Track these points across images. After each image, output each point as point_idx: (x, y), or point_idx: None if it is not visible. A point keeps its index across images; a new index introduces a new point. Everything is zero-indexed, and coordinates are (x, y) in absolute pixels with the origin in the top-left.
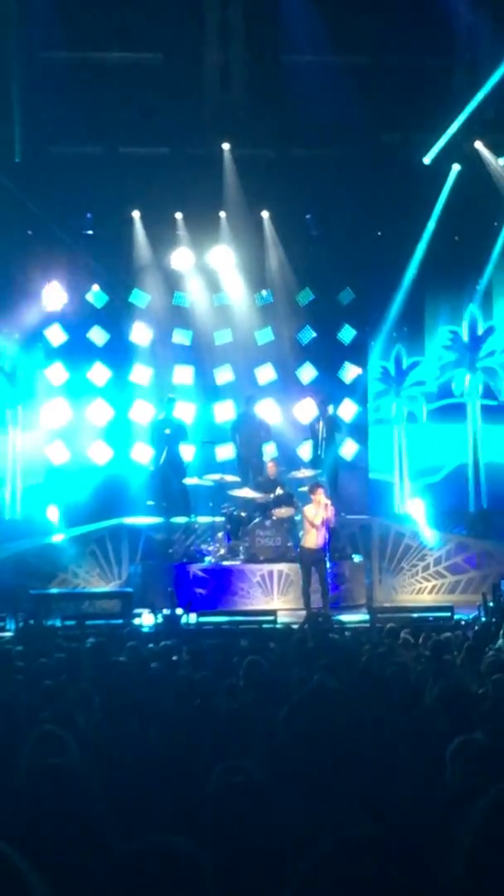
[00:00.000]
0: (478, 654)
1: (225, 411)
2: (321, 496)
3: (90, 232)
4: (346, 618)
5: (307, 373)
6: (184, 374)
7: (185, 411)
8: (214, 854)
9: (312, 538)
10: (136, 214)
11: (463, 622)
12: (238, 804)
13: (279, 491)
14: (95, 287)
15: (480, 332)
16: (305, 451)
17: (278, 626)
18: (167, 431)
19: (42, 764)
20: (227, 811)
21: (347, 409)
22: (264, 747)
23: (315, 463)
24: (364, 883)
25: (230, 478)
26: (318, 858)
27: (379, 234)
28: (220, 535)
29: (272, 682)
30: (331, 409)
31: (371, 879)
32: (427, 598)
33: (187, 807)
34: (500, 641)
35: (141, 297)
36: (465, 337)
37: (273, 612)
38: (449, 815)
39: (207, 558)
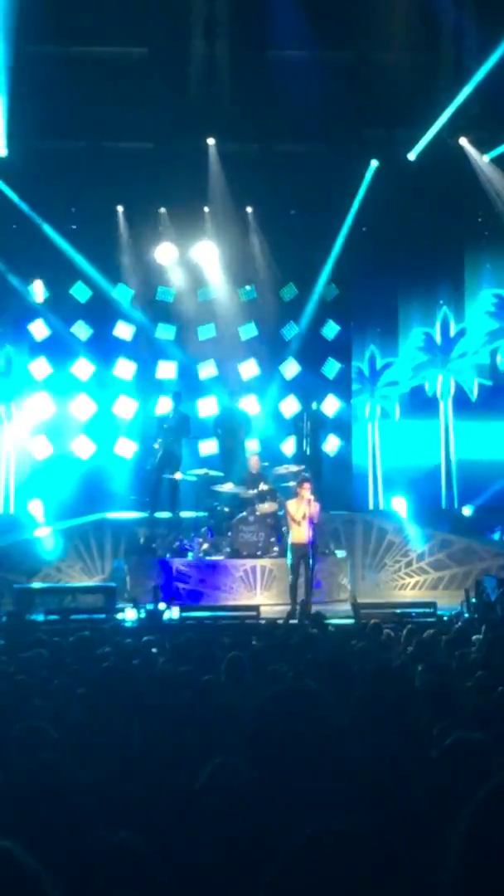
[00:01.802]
0: (461, 650)
1: (208, 406)
2: (307, 491)
3: (74, 227)
4: (330, 613)
5: (291, 368)
6: (167, 369)
7: (166, 406)
8: (199, 849)
9: (298, 533)
10: (120, 209)
11: (446, 618)
12: (227, 801)
13: (262, 486)
14: (79, 282)
15: (453, 333)
16: (289, 446)
17: (261, 621)
18: (165, 426)
19: (26, 759)
20: (216, 807)
21: (330, 405)
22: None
23: (298, 458)
24: (341, 880)
25: (213, 473)
26: (289, 855)
27: (364, 228)
28: (203, 530)
29: (256, 678)
30: (314, 404)
31: (345, 877)
32: (410, 595)
33: (174, 802)
34: (479, 637)
35: (125, 292)
36: (438, 339)
37: (256, 608)
38: (435, 811)
39: (191, 553)
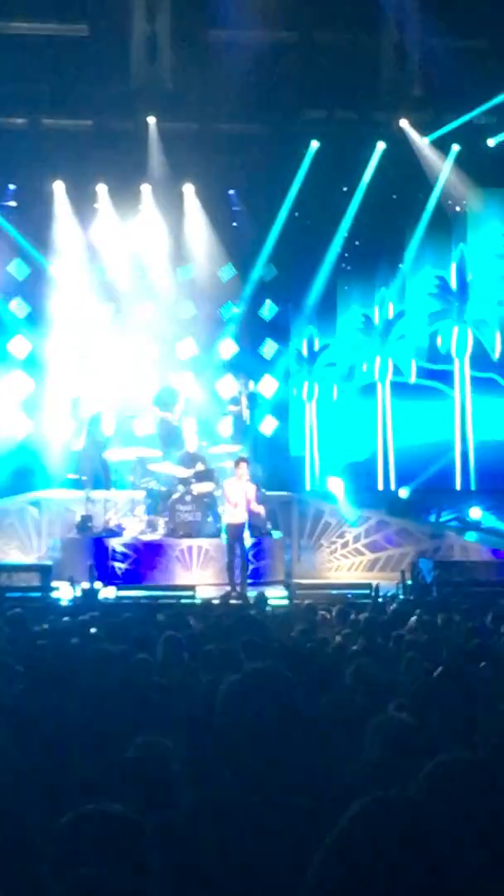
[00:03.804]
0: (396, 631)
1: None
2: (244, 471)
3: (13, 203)
4: (266, 594)
5: (228, 348)
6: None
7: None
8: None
9: (233, 514)
10: (58, 186)
11: (381, 599)
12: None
13: (200, 466)
14: (17, 258)
15: (391, 315)
16: (226, 426)
17: (197, 601)
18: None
19: None
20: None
21: (268, 386)
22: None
23: (235, 438)
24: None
25: (150, 452)
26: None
27: (296, 214)
28: (139, 509)
29: (193, 658)
30: (251, 385)
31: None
32: (346, 576)
33: (107, 776)
34: (415, 619)
35: (63, 270)
36: (377, 320)
37: (192, 588)
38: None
39: (127, 532)
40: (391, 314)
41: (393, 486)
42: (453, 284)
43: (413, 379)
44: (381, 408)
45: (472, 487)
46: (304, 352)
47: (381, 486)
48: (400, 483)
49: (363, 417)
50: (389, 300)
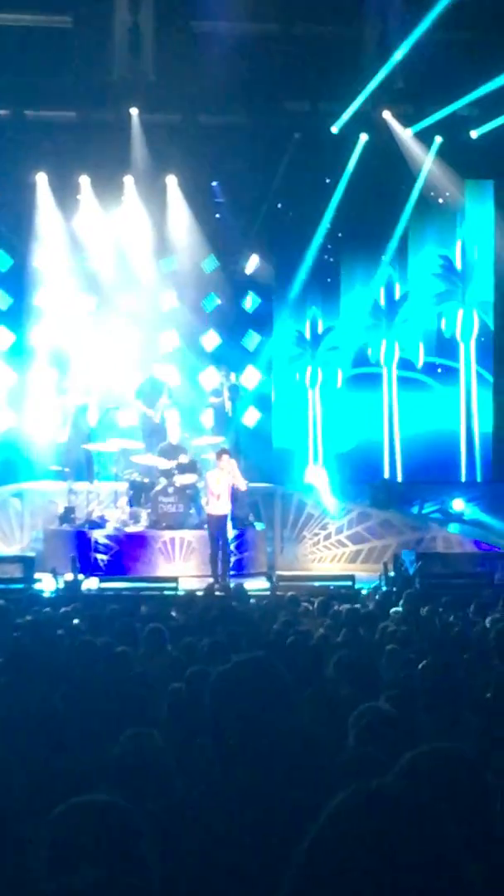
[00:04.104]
0: (377, 623)
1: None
2: (226, 463)
3: None
4: (248, 585)
5: (211, 340)
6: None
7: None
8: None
9: (215, 505)
10: (41, 178)
11: (363, 591)
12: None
13: (182, 458)
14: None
15: (397, 296)
16: (208, 418)
17: (180, 592)
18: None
19: None
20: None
21: (251, 377)
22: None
23: (217, 430)
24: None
25: (133, 444)
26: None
27: (279, 206)
28: (122, 501)
29: (176, 649)
30: (234, 376)
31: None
32: (328, 568)
33: (95, 768)
34: (397, 610)
35: (45, 261)
36: (382, 302)
37: (175, 579)
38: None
39: (110, 524)
40: (398, 295)
41: (400, 477)
42: (458, 265)
43: (420, 363)
44: (388, 394)
45: (479, 479)
46: (308, 334)
47: (386, 474)
48: (405, 472)
49: (354, 406)
50: (395, 281)
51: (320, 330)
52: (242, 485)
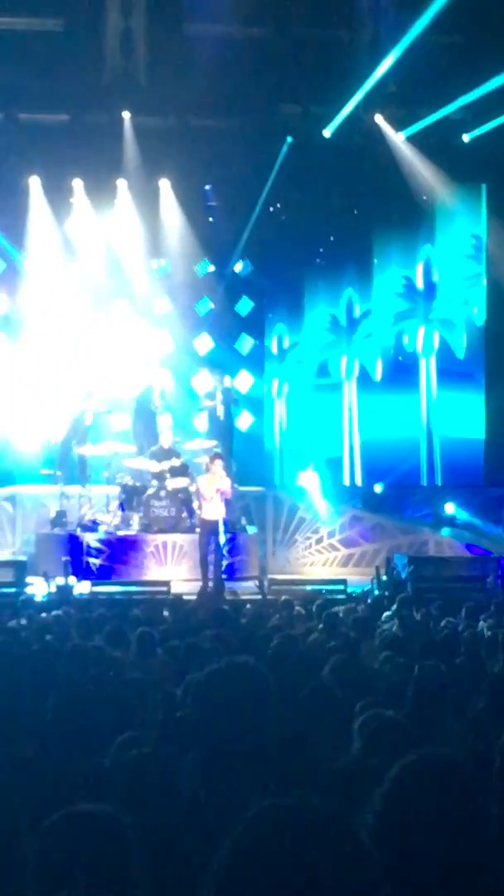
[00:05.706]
0: (370, 627)
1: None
2: (218, 467)
3: None
4: (240, 590)
5: (204, 343)
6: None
7: None
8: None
9: (208, 509)
10: (34, 181)
11: (356, 595)
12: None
13: (174, 461)
14: None
15: (357, 314)
16: (201, 421)
17: (171, 596)
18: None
19: None
20: (127, 782)
21: (244, 381)
22: (160, 719)
23: (210, 434)
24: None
25: (125, 447)
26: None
27: (271, 209)
28: (114, 504)
29: (166, 653)
30: (227, 380)
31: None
32: (321, 571)
33: (86, 776)
34: (389, 614)
35: (38, 264)
36: (420, 284)
37: (166, 583)
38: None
39: (102, 528)
40: (357, 313)
41: (360, 482)
42: (420, 284)
43: (378, 377)
44: (348, 406)
45: (439, 483)
46: (275, 349)
47: (346, 482)
48: (369, 479)
49: (336, 414)
50: (356, 301)
51: (287, 345)
52: (228, 491)
